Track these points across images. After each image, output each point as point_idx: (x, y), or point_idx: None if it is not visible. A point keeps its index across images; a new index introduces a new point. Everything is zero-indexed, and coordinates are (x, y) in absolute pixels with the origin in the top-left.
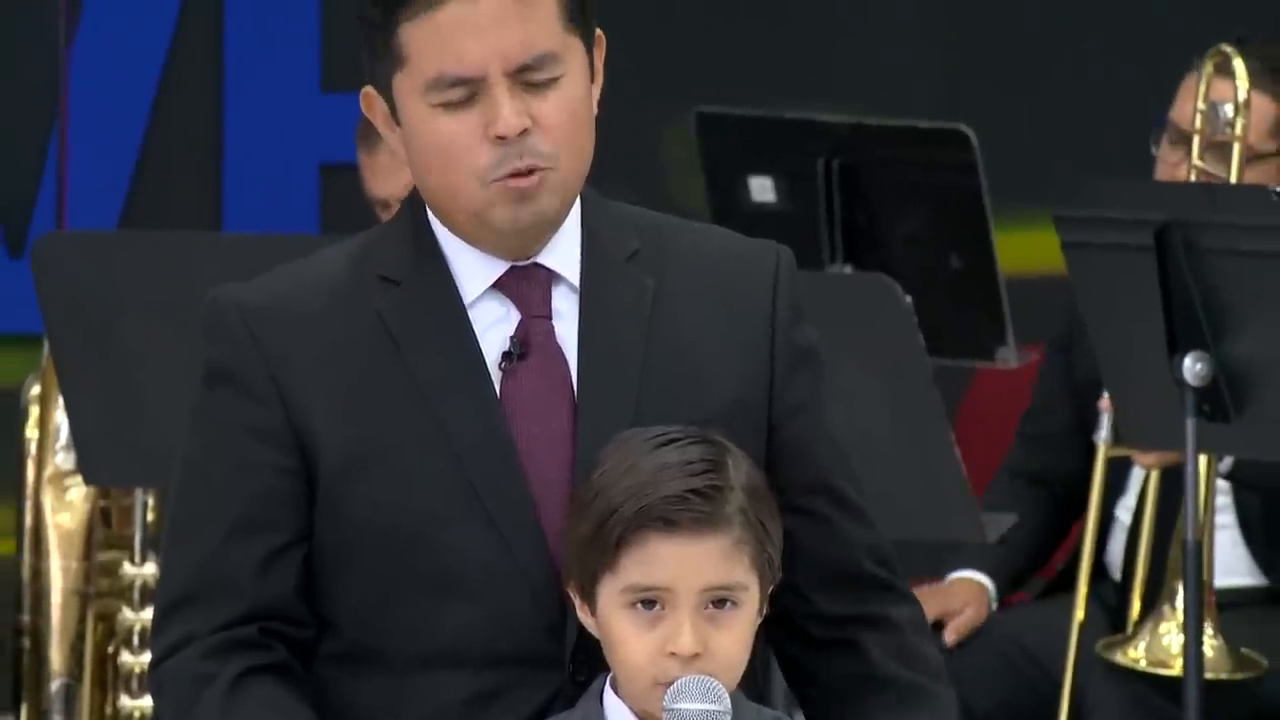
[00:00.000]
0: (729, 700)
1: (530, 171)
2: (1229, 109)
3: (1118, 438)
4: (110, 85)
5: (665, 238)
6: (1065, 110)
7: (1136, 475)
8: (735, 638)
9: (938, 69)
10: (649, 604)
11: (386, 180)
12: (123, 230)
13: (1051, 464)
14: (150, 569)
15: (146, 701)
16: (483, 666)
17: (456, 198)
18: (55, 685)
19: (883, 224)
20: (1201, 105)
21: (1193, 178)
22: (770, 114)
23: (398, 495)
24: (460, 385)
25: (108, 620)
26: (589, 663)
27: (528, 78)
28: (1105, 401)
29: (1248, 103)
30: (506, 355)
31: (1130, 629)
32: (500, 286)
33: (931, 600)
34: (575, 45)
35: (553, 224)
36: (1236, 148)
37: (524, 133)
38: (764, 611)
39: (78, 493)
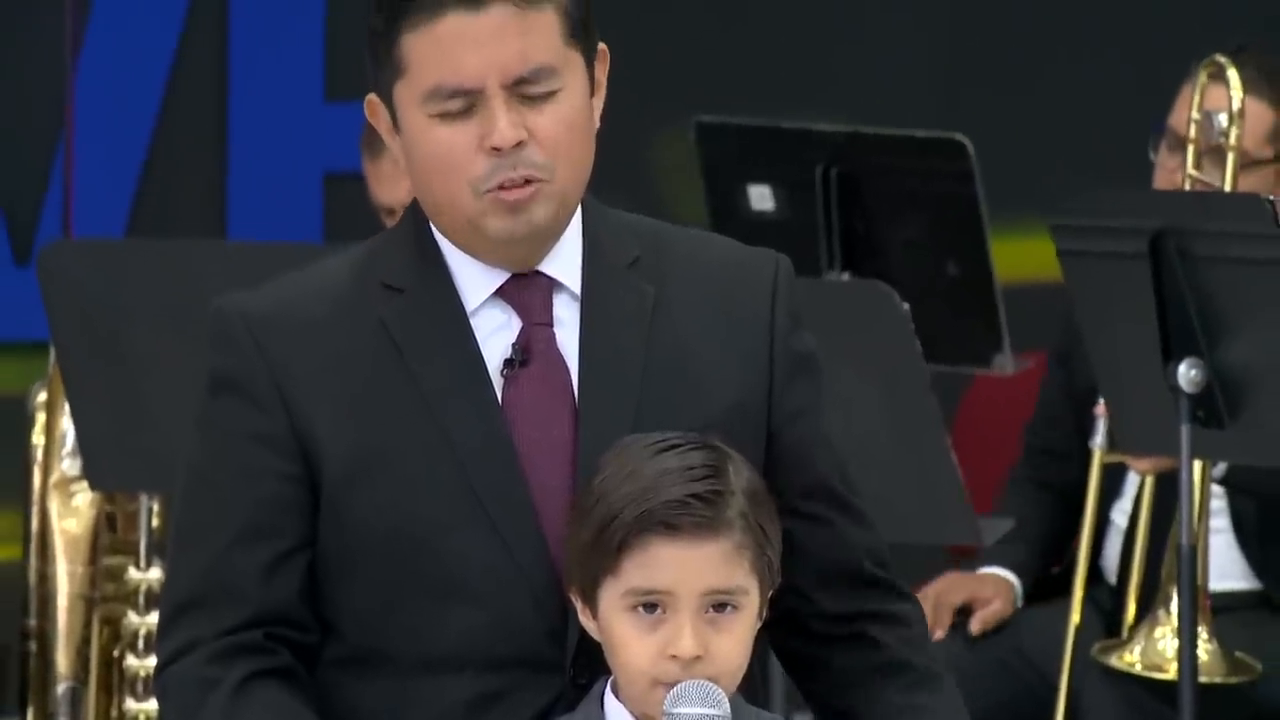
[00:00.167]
0: (728, 705)
1: (525, 183)
2: (1223, 118)
3: (1113, 443)
4: (116, 94)
5: (665, 245)
6: (1060, 118)
7: (1132, 479)
8: (735, 641)
9: (934, 79)
10: (650, 607)
11: (391, 187)
12: (128, 238)
13: (1057, 473)
14: (155, 574)
15: (152, 705)
16: (485, 670)
17: (453, 207)
18: (61, 689)
19: (880, 232)
20: (1196, 114)
21: (1188, 186)
22: (769, 123)
23: (401, 501)
24: (463, 392)
25: (113, 624)
26: (590, 666)
27: (525, 90)
28: (1100, 407)
29: (1242, 111)
30: (508, 362)
31: (1126, 633)
32: (502, 294)
33: (962, 586)
34: (575, 59)
35: (547, 235)
36: (1231, 156)
37: (519, 145)
38: (764, 615)
39: (83, 498)
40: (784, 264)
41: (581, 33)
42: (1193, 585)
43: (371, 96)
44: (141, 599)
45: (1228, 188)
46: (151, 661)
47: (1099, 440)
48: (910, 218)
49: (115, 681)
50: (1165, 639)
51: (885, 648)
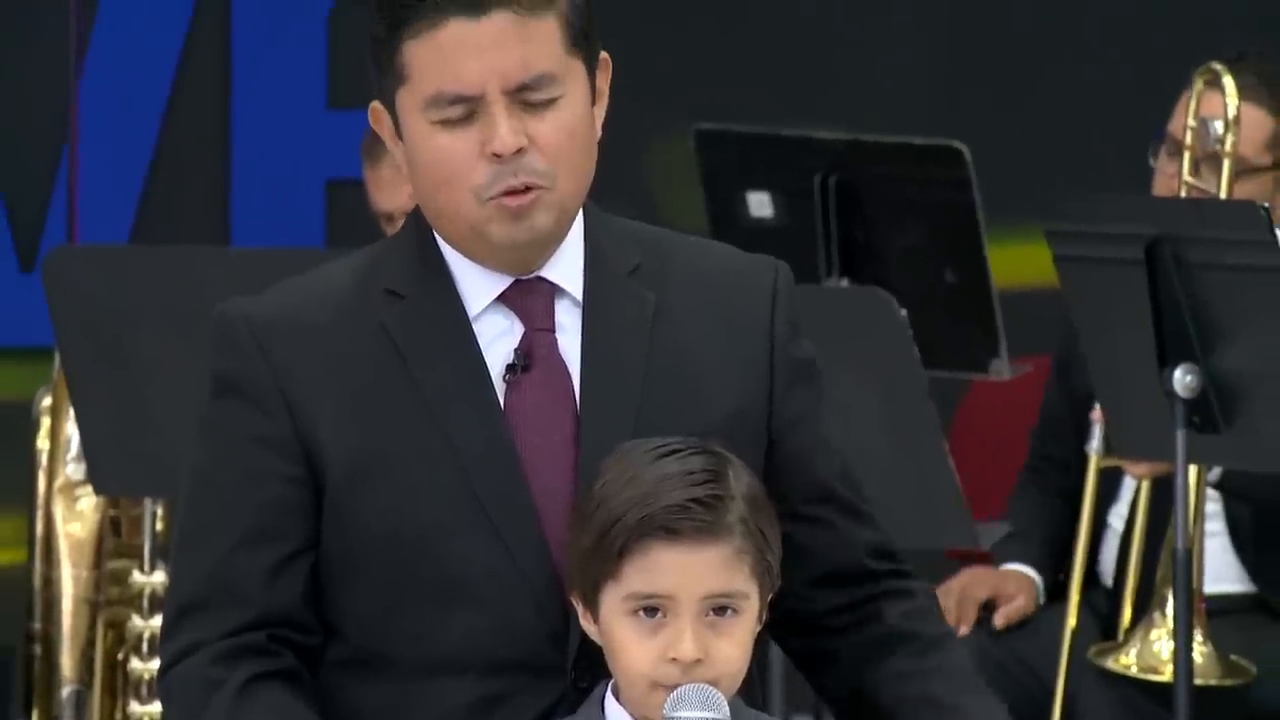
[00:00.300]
0: (728, 709)
1: (525, 190)
2: (1219, 125)
3: (1109, 448)
4: (120, 101)
5: (666, 252)
6: (1056, 126)
7: (1129, 484)
8: (736, 644)
9: (932, 87)
10: (651, 611)
11: (391, 194)
12: (133, 244)
13: (1060, 479)
14: (159, 577)
15: (156, 707)
16: (486, 673)
17: (455, 214)
18: (66, 691)
19: (879, 239)
20: (1192, 121)
21: (1183, 192)
22: (768, 131)
23: (403, 505)
24: (465, 397)
25: (117, 627)
26: (591, 669)
27: (526, 97)
28: (1097, 413)
29: (1237, 118)
30: (510, 367)
31: (1121, 636)
32: (504, 300)
33: (985, 580)
34: (576, 67)
35: (549, 241)
36: (1226, 163)
37: (520, 151)
38: (763, 619)
39: (88, 502)
40: (784, 271)
41: (583, 41)
42: (1188, 589)
43: (375, 103)
44: (146, 602)
45: (1223, 194)
46: (155, 664)
47: (1095, 445)
48: (908, 225)
49: (119, 684)
50: (1161, 641)
51: (889, 622)
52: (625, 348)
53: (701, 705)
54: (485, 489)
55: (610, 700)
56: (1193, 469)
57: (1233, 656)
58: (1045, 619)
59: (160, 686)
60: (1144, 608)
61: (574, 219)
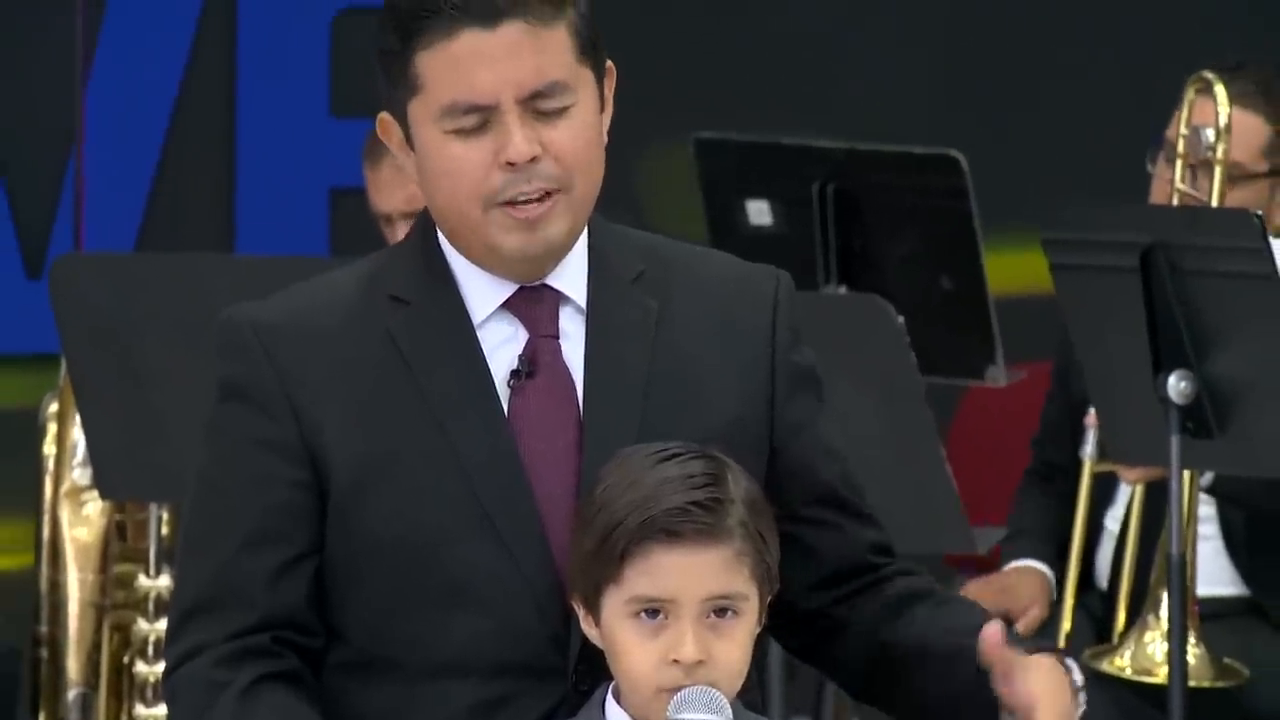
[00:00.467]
0: (730, 711)
1: (543, 196)
2: (1210, 132)
3: (1103, 453)
4: (126, 110)
5: (668, 261)
6: (1052, 135)
7: (1125, 487)
8: (736, 646)
9: (929, 97)
10: (652, 613)
11: (389, 195)
12: (138, 252)
13: (1061, 484)
14: (164, 581)
15: (161, 710)
16: (489, 676)
17: (466, 222)
18: (72, 694)
19: (876, 246)
20: (1184, 129)
21: (1175, 199)
22: (767, 139)
23: (407, 510)
24: (469, 403)
25: (123, 631)
26: (592, 672)
27: (539, 105)
28: (1091, 418)
29: (1229, 126)
30: (515, 373)
31: (1116, 639)
32: (509, 307)
33: (986, 592)
34: (586, 76)
35: (559, 252)
36: (1218, 171)
37: (534, 160)
38: (763, 622)
39: (94, 507)
40: (784, 280)
41: (592, 50)
42: (1182, 593)
43: (384, 114)
44: (151, 606)
45: (1215, 202)
46: (161, 667)
47: (1089, 450)
48: (906, 233)
49: (125, 687)
50: (1155, 643)
51: (898, 584)
52: (628, 354)
53: (705, 707)
54: (489, 495)
55: (610, 702)
56: (1186, 474)
57: (1226, 659)
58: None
59: (165, 688)
60: (1138, 611)
61: (584, 226)
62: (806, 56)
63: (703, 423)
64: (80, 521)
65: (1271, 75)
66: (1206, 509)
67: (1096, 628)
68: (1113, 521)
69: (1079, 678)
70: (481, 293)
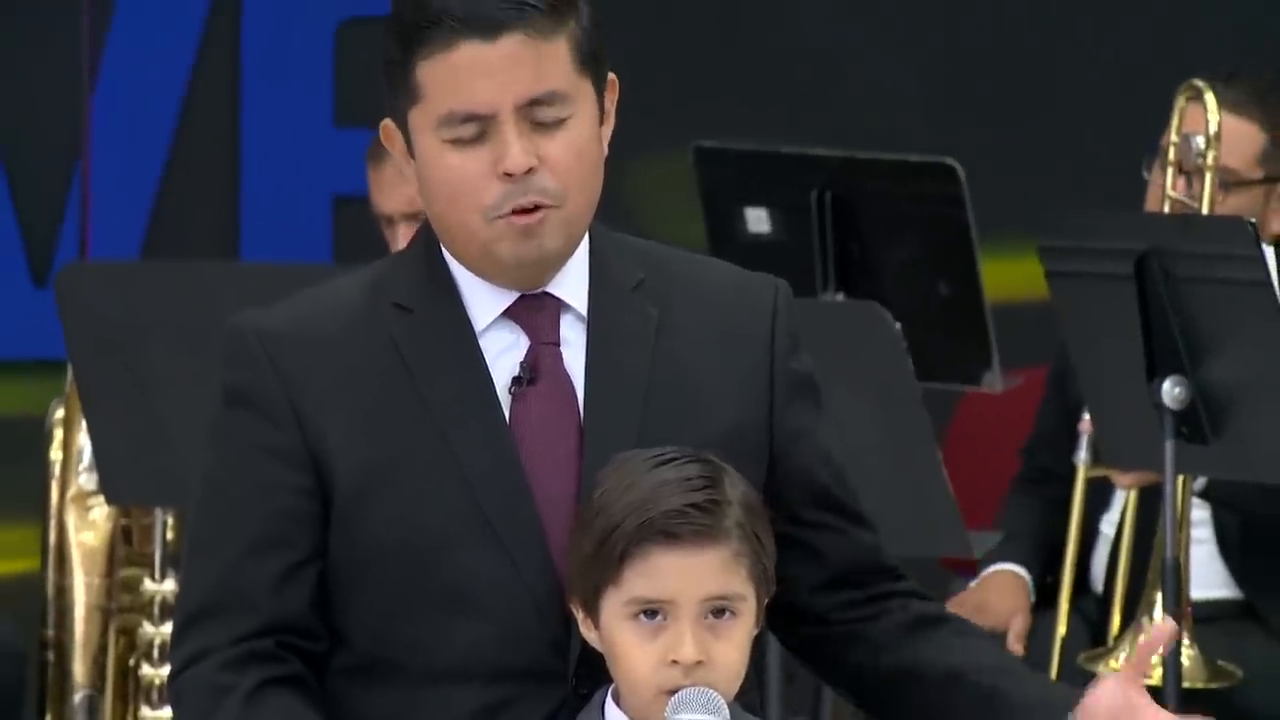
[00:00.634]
0: (728, 712)
1: (535, 208)
2: (1201, 140)
3: (1097, 458)
4: (131, 120)
5: (668, 268)
6: (1047, 143)
7: (1121, 492)
8: (734, 646)
9: (926, 106)
10: (651, 614)
11: (391, 195)
12: (143, 260)
13: (1053, 490)
14: (169, 585)
15: (166, 712)
16: (490, 680)
17: (464, 231)
18: (78, 697)
19: (874, 254)
20: (1175, 136)
21: (1167, 206)
22: (766, 148)
23: (409, 515)
24: (471, 410)
25: (129, 634)
26: (592, 676)
27: (537, 116)
28: (1085, 423)
29: (1219, 134)
30: (516, 380)
31: (1111, 641)
32: (510, 315)
33: (964, 608)
34: (585, 88)
35: (557, 260)
36: (1208, 178)
37: (531, 171)
38: (761, 623)
39: (100, 512)
40: (783, 288)
41: (592, 62)
42: (1177, 597)
43: (386, 121)
44: (156, 610)
45: (1205, 209)
46: (166, 670)
47: (1083, 455)
48: (902, 240)
49: (131, 690)
50: None
51: (914, 609)
52: (629, 361)
53: (703, 708)
54: (491, 501)
55: (610, 705)
56: (1180, 478)
57: (1220, 661)
58: (1036, 626)
59: (170, 691)
60: (1133, 614)
61: (582, 238)
62: (805, 66)
63: (702, 429)
64: (86, 526)
65: (1266, 83)
66: (1200, 513)
67: (1092, 631)
68: (1108, 526)
69: None
70: (483, 301)
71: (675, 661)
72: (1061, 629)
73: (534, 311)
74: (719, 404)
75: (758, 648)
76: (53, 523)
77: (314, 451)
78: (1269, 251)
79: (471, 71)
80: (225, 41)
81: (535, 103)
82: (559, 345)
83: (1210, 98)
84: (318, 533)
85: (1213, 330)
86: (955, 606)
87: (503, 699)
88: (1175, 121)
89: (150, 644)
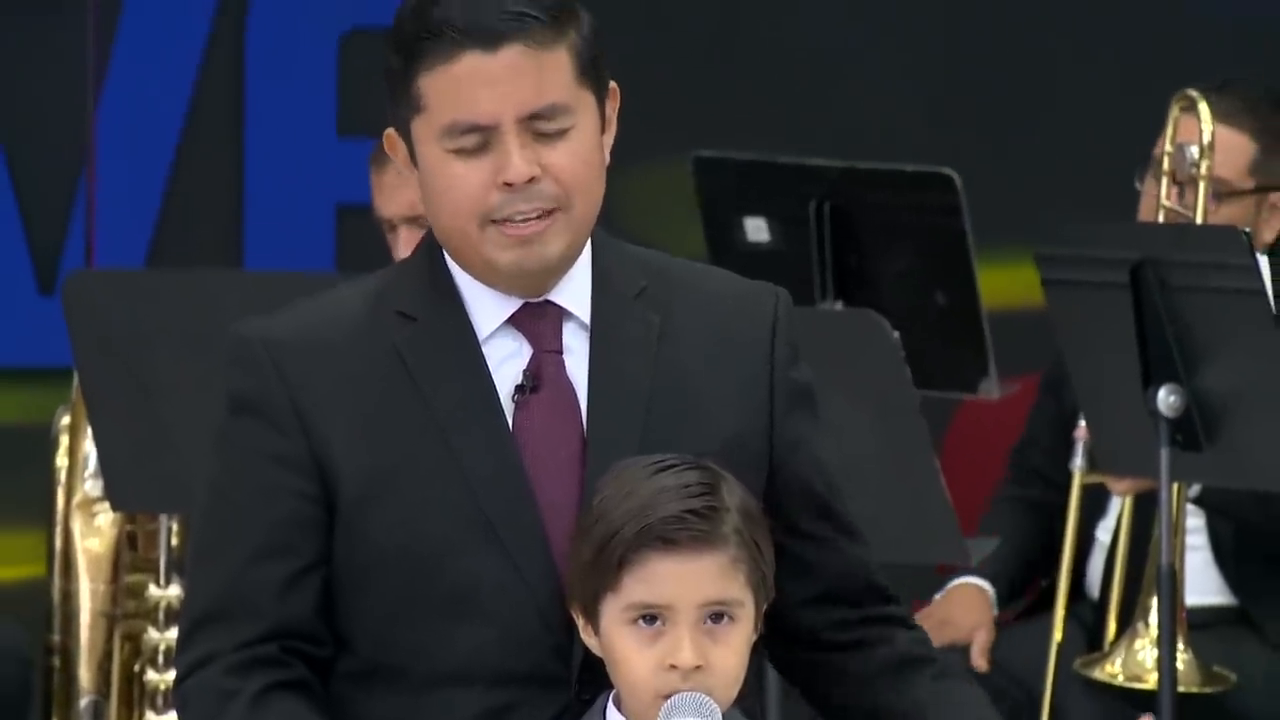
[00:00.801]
0: (720, 717)
1: (538, 216)
2: (1194, 150)
3: (1092, 465)
4: (137, 129)
5: (670, 277)
6: (1044, 153)
7: (1117, 499)
8: (732, 651)
9: (924, 116)
10: (650, 620)
11: (392, 198)
12: (149, 268)
13: (1042, 494)
14: (175, 591)
15: (171, 718)
16: (493, 685)
17: (466, 240)
18: (84, 702)
19: (872, 263)
20: (1169, 147)
21: (1161, 216)
22: (765, 158)
23: (413, 522)
24: (474, 418)
25: (134, 640)
26: (594, 681)
27: (538, 127)
28: (1081, 430)
29: (1212, 144)
30: (519, 388)
31: (1107, 647)
32: (513, 323)
33: (928, 624)
34: (586, 98)
35: (558, 269)
36: (1202, 187)
37: (532, 180)
38: (759, 629)
39: (105, 518)
40: (784, 297)
41: (593, 72)
42: (1172, 603)
43: (389, 131)
44: (161, 615)
45: (1199, 219)
46: (171, 676)
47: (1079, 462)
48: (900, 249)
49: (136, 695)
50: (1145, 651)
51: (900, 645)
52: (631, 369)
53: (696, 713)
54: (494, 508)
55: (612, 710)
56: (1175, 485)
57: (1214, 666)
58: (1033, 631)
59: (176, 696)
60: (1129, 620)
61: (583, 246)
62: (804, 77)
63: (703, 437)
64: (92, 532)
65: (1258, 93)
66: (1195, 520)
67: (1088, 636)
68: (1104, 533)
69: None
70: (486, 309)
71: (674, 666)
72: (1058, 635)
73: (536, 319)
74: (720, 412)
75: (757, 656)
76: (58, 529)
77: (318, 458)
78: (1262, 261)
79: (473, 82)
80: (230, 51)
81: (537, 116)
82: (561, 353)
83: (1204, 108)
84: (322, 539)
85: (1207, 339)
86: (921, 620)
87: (505, 704)
88: (1169, 131)
89: (155, 649)
